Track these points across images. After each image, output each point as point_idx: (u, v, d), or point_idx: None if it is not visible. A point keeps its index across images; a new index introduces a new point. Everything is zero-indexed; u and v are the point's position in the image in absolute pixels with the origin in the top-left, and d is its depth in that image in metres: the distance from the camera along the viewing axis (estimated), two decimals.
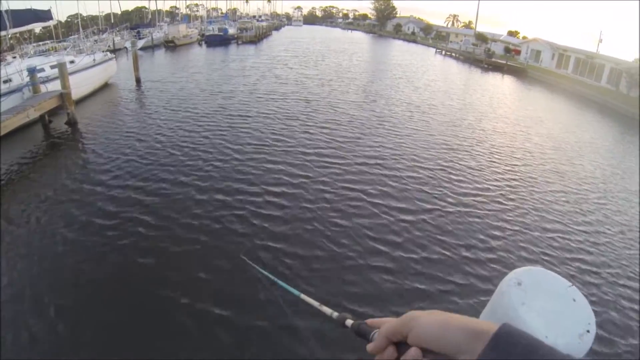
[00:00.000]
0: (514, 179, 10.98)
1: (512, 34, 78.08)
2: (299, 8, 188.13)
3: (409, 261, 6.71)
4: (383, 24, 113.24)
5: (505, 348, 0.53)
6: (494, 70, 43.78)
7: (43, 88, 13.87)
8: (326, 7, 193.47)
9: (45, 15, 18.83)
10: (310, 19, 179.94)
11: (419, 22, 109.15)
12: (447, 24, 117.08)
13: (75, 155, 11.11)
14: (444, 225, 7.98)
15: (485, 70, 43.84)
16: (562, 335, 0.74)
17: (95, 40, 26.91)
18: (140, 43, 39.06)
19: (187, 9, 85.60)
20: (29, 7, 18.01)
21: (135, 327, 5.10)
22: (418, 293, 5.96)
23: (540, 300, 0.78)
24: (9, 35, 16.01)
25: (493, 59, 48.18)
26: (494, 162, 12.25)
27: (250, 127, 13.73)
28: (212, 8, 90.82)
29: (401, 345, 0.65)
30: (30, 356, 4.59)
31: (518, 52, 54.29)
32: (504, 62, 45.45)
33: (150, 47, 42.06)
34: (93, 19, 45.18)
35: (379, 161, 11.22)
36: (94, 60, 18.68)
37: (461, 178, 10.58)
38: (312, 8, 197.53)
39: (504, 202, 9.44)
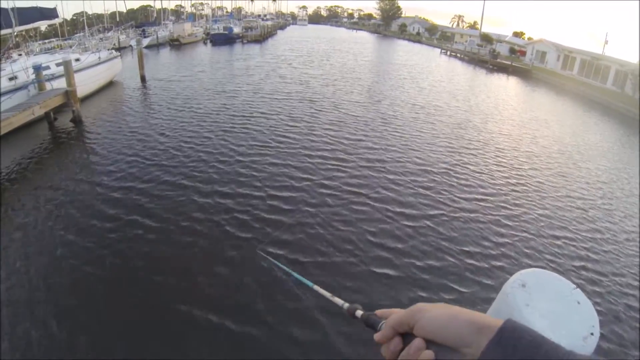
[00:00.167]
0: (520, 183, 10.87)
1: (517, 34, 77.80)
2: (304, 7, 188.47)
3: (412, 264, 6.66)
4: (388, 24, 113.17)
5: (510, 343, 0.53)
6: (499, 71, 43.64)
7: (48, 85, 13.95)
8: (331, 6, 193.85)
9: (50, 13, 18.87)
10: (315, 19, 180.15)
11: (424, 22, 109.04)
12: (452, 25, 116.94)
13: (79, 153, 11.14)
14: (448, 229, 7.91)
15: (490, 71, 43.71)
16: (566, 337, 0.74)
17: (101, 39, 26.98)
18: (146, 41, 39.21)
19: (193, 8, 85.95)
20: (34, 5, 18.08)
21: (151, 325, 5.12)
22: (421, 296, 5.92)
23: (545, 302, 0.78)
24: (15, 33, 16.04)
25: (498, 60, 48.04)
26: (500, 165, 12.14)
27: (253, 126, 13.73)
28: (217, 7, 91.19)
29: (407, 336, 0.66)
30: (31, 356, 4.57)
31: (523, 53, 54.09)
32: (509, 63, 45.29)
33: (156, 46, 42.20)
34: (98, 17, 45.21)
35: (382, 163, 11.18)
36: (99, 58, 18.76)
37: (466, 181, 10.50)
38: (317, 7, 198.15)
39: (509, 206, 9.34)
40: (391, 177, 10.22)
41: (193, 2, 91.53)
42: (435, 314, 0.63)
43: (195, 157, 10.70)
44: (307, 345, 4.90)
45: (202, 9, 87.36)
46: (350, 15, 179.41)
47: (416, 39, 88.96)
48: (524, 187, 10.60)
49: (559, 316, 0.76)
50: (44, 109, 12.54)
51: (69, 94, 13.55)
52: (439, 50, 65.46)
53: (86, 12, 38.11)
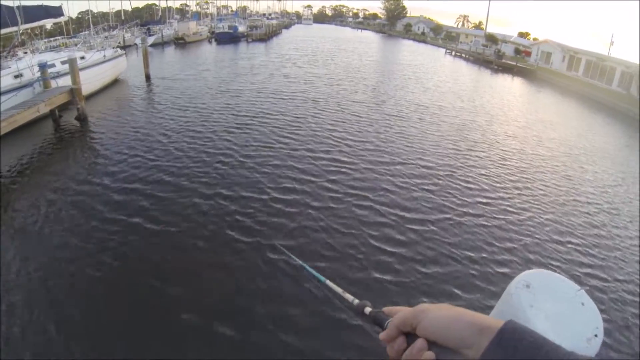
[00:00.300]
0: (525, 186, 10.77)
1: (522, 35, 77.42)
2: (309, 7, 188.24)
3: (416, 266, 6.63)
4: (393, 24, 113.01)
5: (511, 344, 0.54)
6: (504, 72, 43.47)
7: (54, 83, 14.01)
8: (336, 6, 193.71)
9: (56, 12, 18.95)
10: (320, 18, 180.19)
11: (429, 22, 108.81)
12: (457, 25, 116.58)
13: (83, 152, 11.18)
14: (452, 231, 7.85)
15: (495, 71, 43.55)
16: (570, 339, 0.74)
17: (106, 37, 27.05)
18: (151, 40, 39.31)
19: (197, 7, 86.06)
20: (40, 3, 18.15)
21: (152, 325, 5.14)
22: (425, 299, 5.89)
23: (549, 303, 0.78)
24: (21, 31, 16.10)
25: (503, 61, 47.87)
26: (505, 167, 12.04)
27: (256, 126, 13.73)
28: (222, 6, 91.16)
29: (411, 335, 0.67)
30: (31, 356, 4.57)
31: (528, 54, 53.84)
32: (514, 63, 45.13)
33: (160, 44, 42.31)
34: (104, 16, 45.32)
35: (386, 165, 11.15)
36: (104, 56, 18.84)
37: (471, 183, 10.42)
38: (322, 7, 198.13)
39: (514, 209, 9.25)
40: (394, 179, 10.18)
41: (198, 0, 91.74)
42: (437, 315, 0.64)
43: (199, 157, 10.69)
44: (316, 340, 4.92)
45: (207, 8, 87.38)
46: (355, 15, 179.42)
47: (421, 38, 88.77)
48: (530, 190, 10.48)
49: (563, 317, 0.76)
50: (49, 107, 12.61)
51: (74, 91, 13.61)
52: (443, 50, 65.26)
53: (91, 11, 38.25)
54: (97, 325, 5.04)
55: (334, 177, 9.84)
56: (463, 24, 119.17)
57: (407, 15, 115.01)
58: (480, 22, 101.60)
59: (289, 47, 47.08)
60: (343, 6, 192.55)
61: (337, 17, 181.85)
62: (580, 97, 31.87)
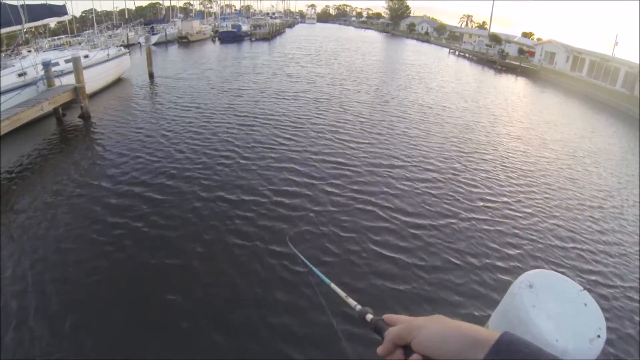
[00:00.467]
0: (528, 187, 10.71)
1: (526, 35, 77.24)
2: (312, 6, 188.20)
3: (418, 267, 6.61)
4: (396, 23, 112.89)
5: (506, 356, 0.53)
6: (508, 72, 43.35)
7: (57, 82, 14.06)
8: (340, 5, 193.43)
9: (60, 10, 18.98)
10: (324, 17, 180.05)
11: (433, 21, 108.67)
12: (461, 24, 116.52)
13: (86, 150, 11.19)
14: (455, 232, 7.82)
15: (499, 71, 43.43)
16: (573, 339, 0.74)
17: (110, 36, 27.14)
18: (154, 39, 39.42)
19: (201, 5, 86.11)
20: (44, 2, 18.19)
21: (152, 325, 5.15)
22: (427, 300, 5.88)
23: (552, 303, 0.78)
24: (25, 30, 16.15)
25: (507, 61, 47.75)
26: (509, 169, 11.93)
27: (259, 127, 13.72)
28: (225, 4, 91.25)
29: (409, 348, 0.68)
30: (31, 356, 4.57)
31: (532, 54, 53.70)
32: (517, 63, 45.01)
33: (164, 43, 42.42)
34: (107, 15, 45.53)
35: (388, 168, 11.11)
36: (108, 55, 18.88)
37: (475, 184, 10.37)
38: (326, 6, 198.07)
39: (517, 210, 9.19)
40: (396, 182, 10.13)
41: None
42: (431, 331, 0.64)
43: (200, 157, 10.68)
44: (317, 345, 4.89)
45: (211, 7, 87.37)
46: (359, 14, 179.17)
47: (425, 38, 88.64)
48: (535, 194, 10.37)
49: (566, 318, 0.76)
50: (53, 105, 12.65)
51: (77, 90, 13.64)
52: (447, 50, 65.19)
53: (95, 10, 38.28)
54: (97, 326, 5.04)
55: (336, 180, 9.79)
56: (467, 24, 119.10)
57: (411, 14, 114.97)
58: (484, 22, 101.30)
59: (292, 46, 47.07)
60: (347, 5, 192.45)
61: (341, 17, 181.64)
62: (584, 98, 31.72)
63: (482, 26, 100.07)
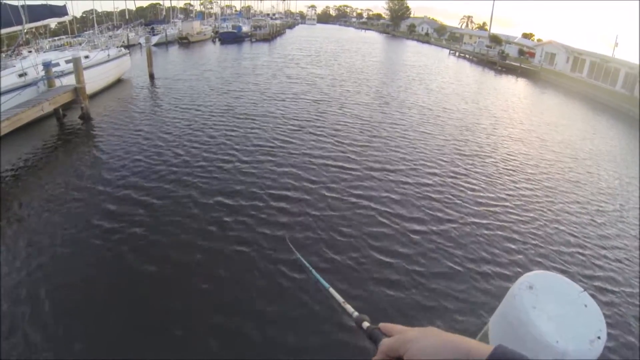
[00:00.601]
0: (529, 189, 10.67)
1: (526, 36, 77.23)
2: (313, 7, 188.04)
3: (418, 273, 6.57)
4: (397, 24, 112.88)
5: None
6: (508, 73, 43.38)
7: (58, 82, 14.07)
8: (340, 6, 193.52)
9: (60, 11, 18.99)
10: (324, 18, 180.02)
11: (433, 22, 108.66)
12: (461, 25, 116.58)
13: (86, 151, 11.18)
14: (456, 236, 7.79)
15: (499, 72, 43.44)
16: (573, 340, 0.73)
17: (110, 36, 27.18)
18: (154, 39, 39.41)
19: (202, 6, 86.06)
20: (44, 2, 18.19)
21: (153, 325, 5.14)
22: (426, 305, 5.85)
23: (552, 305, 0.77)
24: (25, 30, 16.15)
25: (507, 62, 47.77)
26: (510, 172, 11.89)
27: (258, 129, 13.71)
28: (226, 5, 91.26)
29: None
30: (30, 356, 4.56)
31: (532, 55, 53.70)
32: (518, 64, 45.01)
33: (164, 44, 42.45)
34: (108, 15, 45.52)
35: (389, 169, 11.11)
36: (108, 55, 18.88)
37: (475, 187, 10.34)
38: (326, 7, 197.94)
39: (518, 213, 9.15)
40: (395, 185, 10.12)
41: (202, 0, 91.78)
42: (424, 345, 0.64)
43: (200, 158, 10.69)
44: (313, 350, 4.88)
45: (211, 8, 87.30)
46: (359, 15, 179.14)
47: (425, 39, 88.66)
48: (534, 194, 10.37)
49: (566, 319, 0.75)
50: (53, 106, 12.66)
51: (78, 90, 13.66)
52: (447, 51, 65.25)
53: (96, 10, 38.30)
54: (97, 326, 5.04)
55: (336, 183, 9.75)
56: (467, 25, 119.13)
57: (411, 15, 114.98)
58: (484, 23, 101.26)
59: (293, 47, 47.08)
60: (347, 6, 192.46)
61: (341, 18, 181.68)
62: (585, 99, 31.73)
63: (482, 27, 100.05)
